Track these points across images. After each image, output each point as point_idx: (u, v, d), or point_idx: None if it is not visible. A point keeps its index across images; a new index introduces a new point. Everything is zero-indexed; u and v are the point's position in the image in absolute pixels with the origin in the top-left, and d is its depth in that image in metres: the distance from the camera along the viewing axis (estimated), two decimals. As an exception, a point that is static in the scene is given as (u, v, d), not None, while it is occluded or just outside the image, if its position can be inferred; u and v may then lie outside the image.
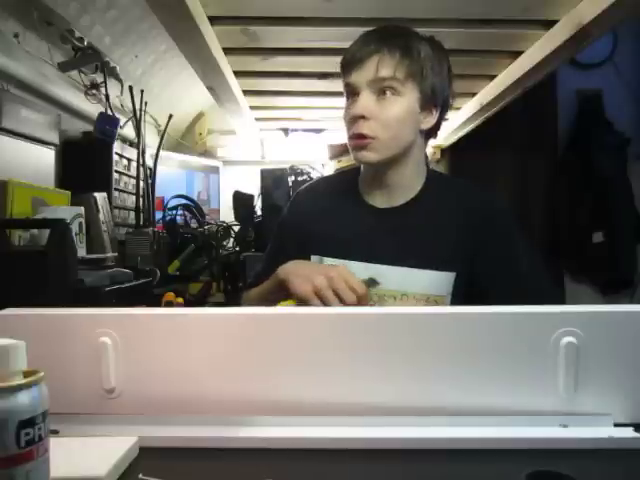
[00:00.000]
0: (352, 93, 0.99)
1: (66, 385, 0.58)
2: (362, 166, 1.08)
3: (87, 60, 1.72)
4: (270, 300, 0.95)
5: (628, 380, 0.59)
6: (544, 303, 0.60)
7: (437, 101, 1.01)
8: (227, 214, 2.58)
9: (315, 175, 2.24)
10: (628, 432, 0.58)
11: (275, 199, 2.10)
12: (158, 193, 2.24)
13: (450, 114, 1.07)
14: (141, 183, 2.01)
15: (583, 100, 2.81)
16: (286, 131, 2.83)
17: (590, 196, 2.71)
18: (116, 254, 1.61)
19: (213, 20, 1.41)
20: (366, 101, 0.95)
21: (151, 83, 2.27)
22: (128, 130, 2.08)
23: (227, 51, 1.62)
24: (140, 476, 0.50)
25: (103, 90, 1.84)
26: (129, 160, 2.02)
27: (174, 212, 2.36)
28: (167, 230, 2.14)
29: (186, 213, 2.41)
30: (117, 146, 1.90)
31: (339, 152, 2.47)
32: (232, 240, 2.33)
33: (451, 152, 2.82)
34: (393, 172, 1.02)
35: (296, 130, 2.83)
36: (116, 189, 1.90)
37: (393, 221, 1.02)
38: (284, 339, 0.60)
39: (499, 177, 2.76)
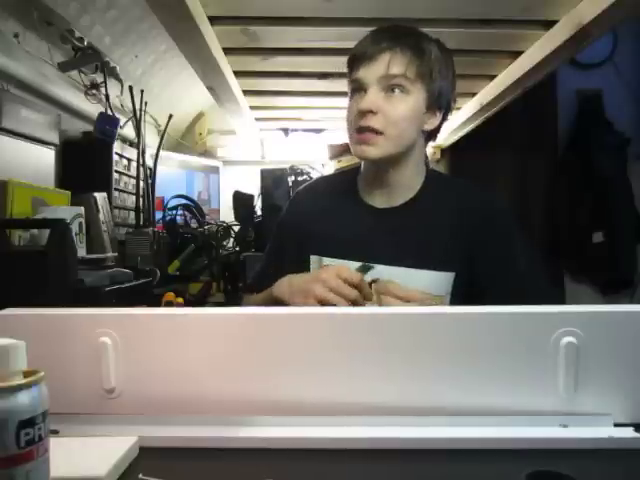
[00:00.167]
0: (359, 89, 0.98)
1: (66, 385, 0.58)
2: (362, 166, 1.08)
3: (87, 60, 1.72)
4: None
5: (628, 380, 0.59)
6: (542, 303, 0.60)
7: (442, 103, 1.01)
8: (227, 214, 2.58)
9: (315, 175, 2.24)
10: (628, 432, 0.58)
11: (275, 199, 2.10)
12: (158, 193, 2.24)
13: (450, 114, 1.07)
14: (141, 183, 2.01)
15: (583, 100, 2.81)
16: (286, 131, 2.83)
17: (590, 196, 2.71)
18: (116, 254, 1.61)
19: (213, 20, 1.41)
20: (375, 96, 0.95)
21: (151, 83, 2.27)
22: (128, 130, 2.08)
23: (227, 51, 1.62)
24: (140, 476, 0.50)
25: (103, 90, 1.84)
26: (129, 160, 2.02)
27: (174, 212, 2.36)
28: (167, 230, 2.14)
29: (186, 213, 2.41)
30: (117, 146, 1.90)
31: (339, 152, 2.47)
32: (232, 240, 2.33)
33: (451, 152, 2.82)
34: (394, 171, 1.02)
35: (296, 130, 2.83)
36: (116, 189, 1.90)
37: (392, 221, 1.02)
38: (284, 339, 0.60)
39: (499, 177, 2.76)
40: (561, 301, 2.60)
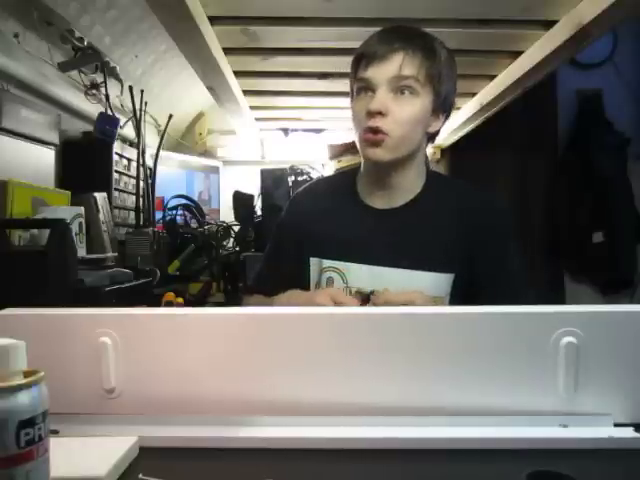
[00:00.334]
0: (367, 89, 0.97)
1: (66, 385, 0.58)
2: (362, 167, 1.07)
3: (87, 60, 1.72)
4: None
5: (628, 380, 0.59)
6: (525, 303, 0.62)
7: (446, 106, 1.01)
8: (227, 214, 2.58)
9: (315, 175, 2.24)
10: (628, 432, 0.58)
11: (275, 199, 2.10)
12: (158, 193, 2.24)
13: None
14: (141, 183, 2.01)
15: (583, 100, 2.81)
16: (286, 131, 2.82)
17: (590, 196, 2.71)
18: (116, 254, 1.61)
19: (213, 20, 1.41)
20: (384, 97, 0.94)
21: (151, 83, 2.27)
22: (128, 130, 2.08)
23: (227, 51, 1.62)
24: (140, 476, 0.50)
25: (103, 90, 1.84)
26: (129, 160, 2.02)
27: (174, 212, 2.36)
28: (167, 230, 2.14)
29: (186, 213, 2.41)
30: (117, 146, 1.89)
31: (339, 152, 2.47)
32: (232, 240, 2.33)
33: (451, 152, 2.81)
34: (398, 173, 1.01)
35: (296, 130, 2.83)
36: (116, 189, 1.90)
37: (392, 222, 1.02)
38: (284, 339, 0.60)
39: (499, 177, 2.76)
40: (557, 301, 2.61)
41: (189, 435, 0.58)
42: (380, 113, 0.94)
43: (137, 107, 2.00)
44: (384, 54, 0.94)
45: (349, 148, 2.38)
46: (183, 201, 2.45)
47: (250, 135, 2.69)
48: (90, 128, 1.86)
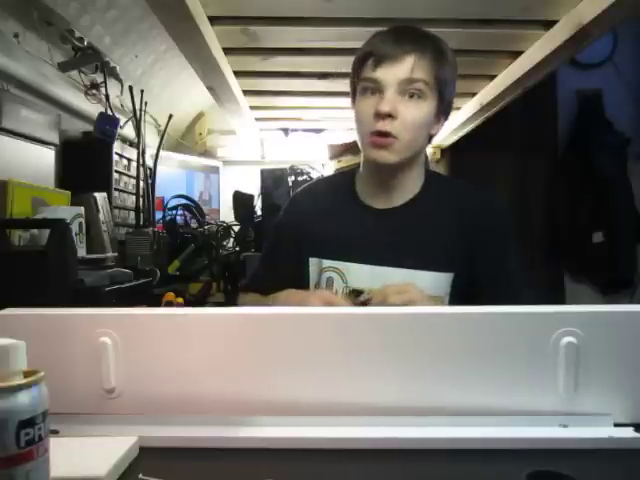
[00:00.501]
0: (374, 89, 0.95)
1: (66, 385, 0.58)
2: (362, 167, 1.07)
3: (87, 60, 1.72)
4: None
5: (628, 380, 0.59)
6: (525, 302, 0.62)
7: (448, 109, 1.01)
8: (227, 214, 2.58)
9: (315, 175, 2.24)
10: (628, 432, 0.58)
11: (275, 199, 2.10)
12: (158, 193, 2.24)
13: (450, 114, 1.08)
14: (141, 183, 2.01)
15: (583, 100, 2.81)
16: (286, 131, 2.82)
17: (590, 196, 2.71)
18: (116, 254, 1.61)
19: (213, 20, 1.41)
20: (394, 100, 0.93)
21: (151, 83, 2.27)
22: (128, 130, 2.08)
23: (227, 51, 1.62)
24: (140, 476, 0.50)
25: (103, 90, 1.84)
26: (129, 160, 2.02)
27: (174, 212, 2.36)
28: (167, 230, 2.14)
29: (186, 213, 2.41)
30: (117, 146, 1.89)
31: (339, 152, 2.47)
32: (232, 240, 2.33)
33: (451, 152, 2.81)
34: (400, 175, 1.01)
35: (296, 130, 2.83)
36: (116, 189, 1.90)
37: (392, 222, 1.02)
38: (284, 339, 0.60)
39: (499, 177, 2.76)
40: (557, 301, 2.61)
41: (189, 435, 0.58)
42: (390, 116, 0.92)
43: (137, 107, 2.00)
44: (395, 55, 0.93)
45: (349, 148, 2.38)
46: (183, 201, 2.45)
47: (250, 135, 2.69)
48: (90, 128, 1.86)
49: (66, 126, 1.75)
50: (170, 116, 2.25)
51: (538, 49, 1.54)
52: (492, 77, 1.90)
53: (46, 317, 0.62)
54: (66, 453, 0.50)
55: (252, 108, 2.29)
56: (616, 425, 0.59)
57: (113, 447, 0.53)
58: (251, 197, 2.31)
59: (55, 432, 0.56)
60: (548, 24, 1.46)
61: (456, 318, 0.60)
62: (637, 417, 0.59)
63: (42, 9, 1.46)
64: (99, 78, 1.83)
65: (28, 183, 1.37)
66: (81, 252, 1.35)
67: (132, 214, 2.03)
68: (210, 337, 0.60)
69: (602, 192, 2.68)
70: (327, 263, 1.03)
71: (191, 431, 0.58)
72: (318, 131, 2.82)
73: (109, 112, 1.86)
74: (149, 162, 2.16)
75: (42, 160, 1.59)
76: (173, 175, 2.63)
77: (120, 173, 1.94)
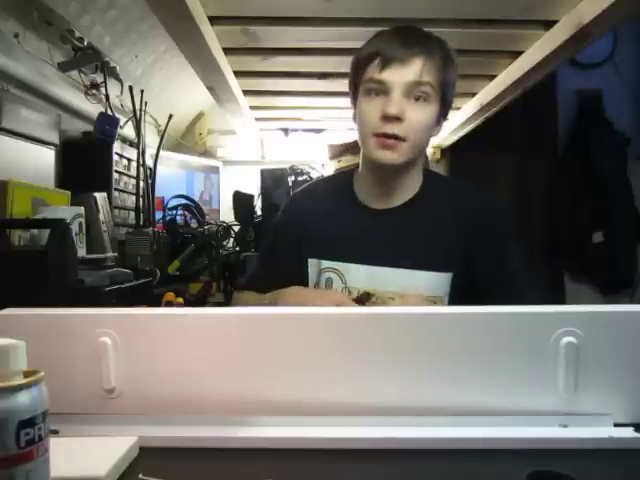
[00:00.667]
0: (379, 90, 0.94)
1: (66, 385, 0.58)
2: (362, 167, 1.07)
3: (87, 60, 1.72)
4: None
5: (628, 380, 0.59)
6: (531, 302, 0.61)
7: (448, 110, 1.02)
8: (227, 214, 2.58)
9: (315, 175, 2.24)
10: (628, 432, 0.58)
11: (275, 199, 2.10)
12: (158, 193, 2.24)
13: (450, 114, 1.08)
14: (141, 183, 2.01)
15: (583, 100, 2.80)
16: (286, 131, 2.82)
17: (590, 196, 2.71)
18: (116, 254, 1.61)
19: (213, 20, 1.41)
20: (401, 102, 0.92)
21: (151, 83, 2.27)
22: (128, 130, 2.08)
23: (227, 51, 1.62)
24: (140, 476, 0.50)
25: (103, 90, 1.84)
26: (129, 160, 2.02)
27: (174, 212, 2.36)
28: (167, 230, 2.14)
29: (186, 213, 2.41)
30: (117, 146, 1.89)
31: (339, 152, 2.47)
32: (232, 240, 2.33)
33: (451, 152, 2.81)
34: (402, 175, 1.01)
35: (296, 130, 2.82)
36: (116, 189, 1.90)
37: (391, 222, 1.02)
38: (284, 339, 0.60)
39: (499, 177, 2.76)
40: (557, 301, 2.61)
41: (189, 435, 0.58)
42: (397, 118, 0.92)
43: (137, 107, 2.00)
44: (403, 58, 0.92)
45: (349, 148, 2.38)
46: (183, 201, 2.45)
47: (250, 135, 2.69)
48: (90, 128, 1.86)
49: (66, 126, 1.75)
50: (170, 116, 2.25)
51: (538, 49, 1.54)
52: (492, 77, 1.90)
53: (46, 317, 0.62)
54: (66, 453, 0.50)
55: (252, 108, 2.29)
56: (616, 425, 0.59)
57: (113, 447, 0.53)
58: (251, 197, 2.31)
59: (55, 432, 0.56)
60: (548, 24, 1.46)
61: (456, 318, 0.60)
62: (637, 417, 0.59)
63: (42, 9, 1.46)
64: (99, 78, 1.83)
65: (28, 183, 1.37)
66: (81, 252, 1.35)
67: (132, 214, 2.03)
68: (210, 337, 0.60)
69: (602, 192, 2.68)
70: (326, 264, 1.03)
71: (191, 431, 0.58)
72: (318, 131, 2.82)
73: (109, 112, 1.86)
74: (149, 162, 2.16)
75: (42, 160, 1.59)
76: (173, 175, 2.63)
77: (120, 173, 1.94)
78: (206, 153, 3.02)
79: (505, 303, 0.62)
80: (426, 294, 0.98)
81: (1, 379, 0.39)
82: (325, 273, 1.04)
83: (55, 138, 1.61)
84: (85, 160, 1.79)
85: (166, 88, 2.43)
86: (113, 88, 1.91)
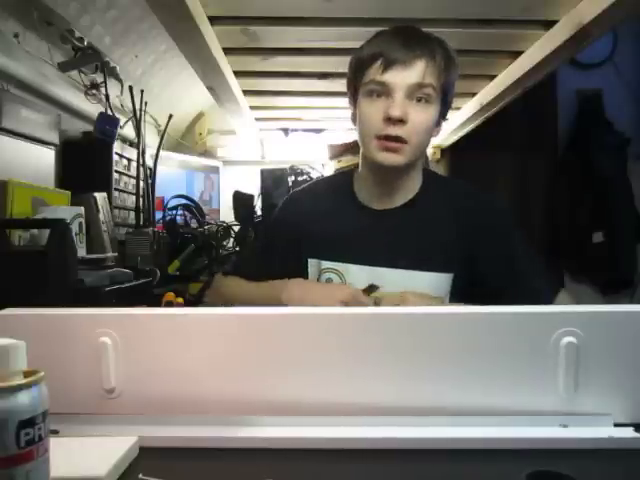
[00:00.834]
0: (381, 92, 0.94)
1: (66, 385, 0.58)
2: (362, 168, 1.07)
3: (87, 60, 1.72)
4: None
5: (628, 380, 0.59)
6: (542, 302, 0.61)
7: (447, 112, 1.02)
8: (227, 214, 2.58)
9: (315, 175, 2.24)
10: (628, 432, 0.58)
11: (275, 199, 2.10)
12: (158, 193, 2.24)
13: (450, 114, 1.08)
14: (141, 183, 2.01)
15: (583, 100, 2.80)
16: (286, 131, 2.82)
17: (590, 196, 2.71)
18: (116, 254, 1.61)
19: (213, 20, 1.41)
20: (404, 104, 0.92)
21: (151, 83, 2.27)
22: (128, 130, 2.08)
23: (227, 51, 1.62)
24: (140, 476, 0.50)
25: (103, 90, 1.84)
26: (129, 160, 2.02)
27: (174, 212, 2.36)
28: (167, 230, 2.14)
29: (186, 213, 2.41)
30: (117, 146, 1.89)
31: (339, 152, 2.47)
32: (232, 240, 2.33)
33: (451, 152, 2.81)
34: (403, 177, 1.01)
35: (296, 130, 2.82)
36: (116, 189, 1.90)
37: (391, 223, 1.02)
38: (284, 339, 0.60)
39: (499, 177, 2.76)
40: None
41: (189, 435, 0.58)
42: (401, 120, 0.92)
43: (137, 107, 2.00)
44: (406, 60, 0.92)
45: (349, 148, 2.38)
46: (183, 201, 2.45)
47: (250, 135, 2.69)
48: (90, 128, 1.86)
49: (66, 126, 1.75)
50: (170, 116, 2.25)
51: (538, 49, 1.54)
52: (492, 77, 1.90)
53: (46, 317, 0.62)
54: (66, 453, 0.50)
55: (252, 108, 2.29)
56: (616, 425, 0.59)
57: (113, 447, 0.53)
58: (251, 197, 2.31)
59: (55, 432, 0.56)
60: (548, 24, 1.46)
61: (456, 318, 0.60)
62: (637, 417, 0.59)
63: (42, 9, 1.46)
64: (99, 78, 1.83)
65: (28, 183, 1.37)
66: (81, 252, 1.35)
67: (132, 214, 2.03)
68: (210, 337, 0.60)
69: (602, 192, 2.68)
70: (326, 264, 1.03)
71: (191, 431, 0.58)
72: (318, 131, 2.82)
73: (109, 112, 1.86)
74: (149, 162, 2.16)
75: (42, 160, 1.59)
76: (173, 175, 2.63)
77: (120, 173, 1.94)
78: (206, 153, 3.02)
79: (523, 299, 0.64)
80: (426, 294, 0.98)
81: (1, 379, 0.39)
82: (325, 273, 1.04)
83: (55, 138, 1.61)
84: (85, 160, 1.78)
85: (166, 88, 2.43)
86: (113, 88, 1.91)
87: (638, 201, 2.74)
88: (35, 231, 1.27)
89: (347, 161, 2.37)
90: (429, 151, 2.69)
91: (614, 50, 2.79)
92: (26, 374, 0.41)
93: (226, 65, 1.67)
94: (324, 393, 0.60)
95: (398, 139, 0.93)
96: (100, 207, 1.61)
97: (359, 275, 1.00)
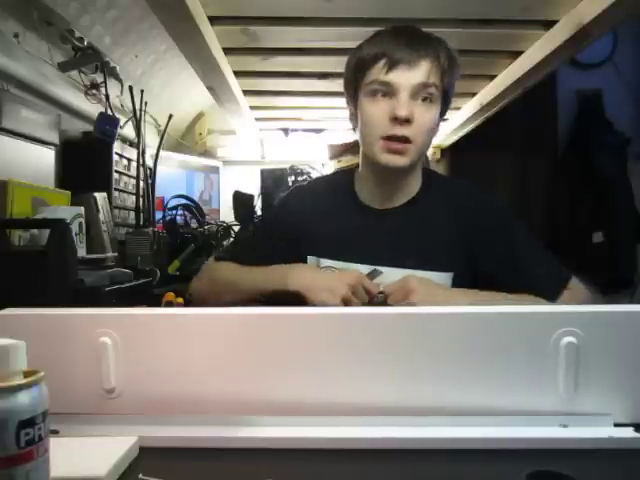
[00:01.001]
0: (385, 92, 0.94)
1: (66, 385, 0.58)
2: (363, 167, 1.07)
3: (87, 60, 1.72)
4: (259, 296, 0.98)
5: (628, 380, 0.59)
6: (550, 295, 0.61)
7: (446, 111, 1.02)
8: (227, 214, 2.58)
9: (315, 175, 2.24)
10: (628, 432, 0.58)
11: (275, 199, 2.10)
12: (158, 193, 2.24)
13: (450, 114, 1.08)
14: (141, 183, 2.01)
15: (583, 100, 2.81)
16: (286, 131, 2.83)
17: (590, 196, 2.71)
18: (116, 254, 1.61)
19: (213, 20, 1.41)
20: (409, 104, 0.92)
21: (151, 83, 2.27)
22: (128, 130, 2.08)
23: (227, 51, 1.62)
24: (140, 476, 0.50)
25: (103, 90, 1.84)
26: (129, 160, 2.02)
27: (174, 212, 2.36)
28: (167, 230, 2.14)
29: (186, 213, 2.41)
30: (117, 146, 1.89)
31: (339, 152, 2.47)
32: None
33: (451, 152, 2.82)
34: (405, 176, 1.01)
35: (296, 130, 2.83)
36: (116, 189, 1.90)
37: (392, 222, 1.02)
38: (284, 339, 0.60)
39: (499, 177, 2.76)
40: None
41: (189, 435, 0.58)
42: (407, 120, 0.92)
43: (137, 107, 2.00)
44: (410, 59, 0.92)
45: (349, 148, 2.38)
46: (183, 201, 2.45)
47: (250, 135, 2.69)
48: (90, 128, 1.86)
49: (66, 126, 1.75)
50: (170, 116, 2.25)
51: (538, 49, 1.54)
52: (492, 77, 1.90)
53: (46, 317, 0.62)
54: (66, 453, 0.50)
55: (252, 108, 2.29)
56: (616, 425, 0.59)
57: (113, 447, 0.53)
58: (251, 197, 2.31)
59: (55, 432, 0.56)
60: (548, 24, 1.46)
61: (456, 318, 0.60)
62: (637, 417, 0.59)
63: (42, 9, 1.46)
64: (99, 78, 1.83)
65: (28, 183, 1.37)
66: (81, 252, 1.35)
67: (132, 214, 2.03)
68: (210, 337, 0.60)
69: (602, 192, 2.68)
70: (326, 262, 1.03)
71: (191, 431, 0.58)
72: (318, 131, 2.82)
73: (109, 112, 1.86)
74: (149, 162, 2.16)
75: (42, 160, 1.59)
76: (173, 175, 2.63)
77: (120, 173, 1.94)
78: (206, 153, 3.02)
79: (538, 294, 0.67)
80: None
81: (1, 379, 0.39)
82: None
83: (55, 138, 1.61)
84: (85, 160, 1.79)
85: (166, 88, 2.43)
86: (113, 88, 1.91)
87: (638, 201, 2.74)
88: (35, 231, 1.27)
89: (347, 161, 2.38)
90: (429, 151, 2.69)
91: (614, 50, 2.79)
92: (26, 374, 0.41)
93: (226, 65, 1.67)
94: (324, 393, 0.60)
95: (404, 139, 0.93)
96: (100, 207, 1.61)
97: None
